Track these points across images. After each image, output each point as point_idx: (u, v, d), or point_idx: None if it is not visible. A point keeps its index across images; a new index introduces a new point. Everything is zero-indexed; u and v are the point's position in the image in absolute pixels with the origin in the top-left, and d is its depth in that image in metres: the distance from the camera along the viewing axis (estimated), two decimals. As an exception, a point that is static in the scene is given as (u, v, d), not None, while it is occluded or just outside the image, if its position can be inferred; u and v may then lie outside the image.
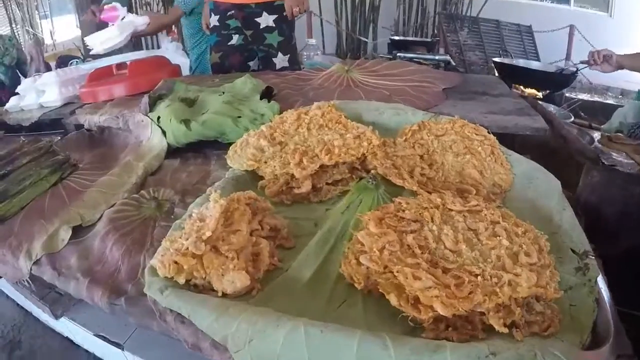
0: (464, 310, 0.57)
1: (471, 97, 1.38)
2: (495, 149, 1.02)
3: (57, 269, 0.87)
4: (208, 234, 0.65)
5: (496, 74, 2.96)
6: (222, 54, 2.06)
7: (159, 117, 1.27)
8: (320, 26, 5.45)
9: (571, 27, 5.43)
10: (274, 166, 0.89)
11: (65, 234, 0.92)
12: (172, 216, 0.94)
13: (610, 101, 5.23)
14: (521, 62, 3.17)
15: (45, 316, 1.06)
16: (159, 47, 3.61)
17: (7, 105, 1.74)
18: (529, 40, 5.30)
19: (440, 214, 0.74)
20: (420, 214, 0.74)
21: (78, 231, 0.94)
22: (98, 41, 2.12)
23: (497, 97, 1.40)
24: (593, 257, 0.73)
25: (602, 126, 3.21)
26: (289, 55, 2.07)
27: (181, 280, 0.65)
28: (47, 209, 1.03)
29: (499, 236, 0.69)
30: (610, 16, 6.20)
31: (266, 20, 2.01)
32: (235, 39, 2.05)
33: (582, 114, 3.33)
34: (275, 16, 2.01)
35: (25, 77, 2.60)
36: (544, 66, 2.99)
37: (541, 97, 2.89)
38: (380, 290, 0.62)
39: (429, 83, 1.44)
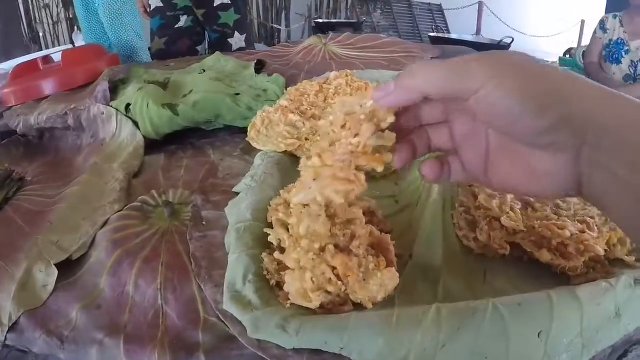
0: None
1: (464, 64, 1.33)
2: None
3: (55, 333, 0.55)
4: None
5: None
6: (168, 38, 1.85)
7: (128, 105, 1.05)
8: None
9: (480, 3, 5.65)
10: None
11: (47, 276, 0.63)
12: (204, 222, 0.71)
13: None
14: (454, 36, 3.21)
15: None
16: (72, 44, 3.27)
17: None
18: (440, 18, 5.46)
19: None
20: None
21: (62, 268, 0.65)
22: None
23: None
24: None
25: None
26: (245, 34, 1.91)
27: (316, 302, 0.48)
28: (-1, 244, 0.71)
29: None
30: (516, -10, 6.55)
31: None
32: (183, 21, 1.85)
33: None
34: None
35: None
36: (477, 39, 3.05)
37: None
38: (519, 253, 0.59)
39: (415, 54, 1.37)
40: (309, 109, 0.85)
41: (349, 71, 0.96)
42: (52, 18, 4.98)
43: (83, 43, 2.63)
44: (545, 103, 0.33)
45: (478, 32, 5.55)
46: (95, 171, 0.92)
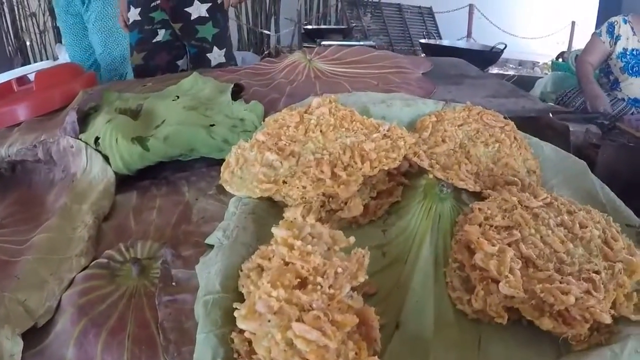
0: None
1: (456, 81, 1.26)
2: (517, 134, 0.92)
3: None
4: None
5: (422, 55, 2.92)
6: (146, 53, 1.77)
7: (97, 138, 0.98)
8: (220, 21, 5.16)
9: (470, 6, 5.58)
10: (303, 187, 0.67)
11: (14, 345, 0.59)
12: (174, 283, 0.65)
13: (510, 72, 5.46)
14: (445, 42, 3.14)
15: None
16: (55, 58, 3.19)
17: None
18: (430, 22, 5.39)
19: (526, 213, 0.66)
20: (509, 218, 0.65)
21: (28, 332, 0.61)
22: None
23: (480, 79, 1.30)
24: None
25: (524, 98, 3.30)
26: (225, 49, 1.82)
27: None
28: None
29: (587, 226, 0.65)
30: (505, -8, 6.51)
31: (198, 9, 1.74)
32: (162, 35, 1.77)
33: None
34: (209, 5, 1.76)
35: None
36: (469, 44, 2.99)
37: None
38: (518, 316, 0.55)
39: (405, 68, 1.28)
40: (287, 144, 0.76)
41: (332, 97, 0.88)
42: (38, 27, 4.90)
43: (67, 55, 2.57)
44: None
45: (469, 35, 5.49)
46: (64, 214, 0.86)
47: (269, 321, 0.43)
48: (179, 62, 1.88)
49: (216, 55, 1.82)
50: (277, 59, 1.43)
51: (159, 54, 1.80)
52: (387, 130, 0.78)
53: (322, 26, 5.03)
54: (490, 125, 0.91)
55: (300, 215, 0.56)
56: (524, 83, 3.49)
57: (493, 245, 0.57)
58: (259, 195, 0.70)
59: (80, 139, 1.01)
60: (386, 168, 0.70)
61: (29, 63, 4.10)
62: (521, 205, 0.68)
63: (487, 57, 2.73)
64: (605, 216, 0.69)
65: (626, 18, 2.66)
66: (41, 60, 4.64)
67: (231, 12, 5.26)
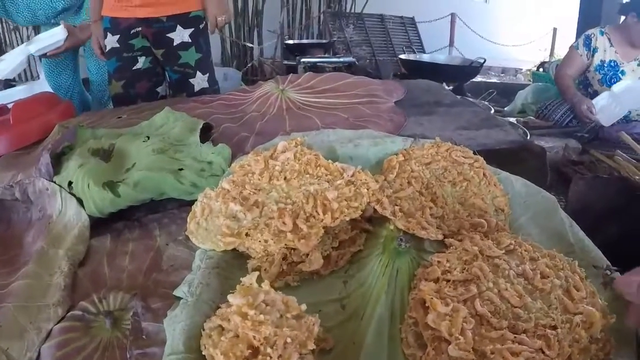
0: None
1: (428, 110, 1.26)
2: (486, 170, 0.91)
3: None
4: None
5: (402, 70, 2.94)
6: (126, 81, 1.76)
7: (70, 182, 0.98)
8: (203, 36, 5.16)
9: (452, 15, 5.63)
10: (265, 240, 0.68)
11: None
12: (144, 336, 0.68)
13: (494, 79, 5.51)
14: (425, 57, 3.16)
15: None
16: (33, 78, 3.17)
17: None
18: (413, 32, 5.42)
19: (486, 265, 0.65)
20: (467, 270, 0.64)
21: None
22: None
23: (454, 107, 1.30)
24: (616, 270, 0.70)
25: (504, 108, 3.33)
26: (208, 74, 1.82)
27: None
28: None
29: (549, 276, 0.64)
30: (486, 1, 6.57)
31: (181, 35, 1.74)
32: (142, 62, 1.76)
33: (469, 94, 3.42)
34: (191, 30, 1.75)
35: None
36: (449, 59, 3.01)
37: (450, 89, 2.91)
38: None
39: (378, 97, 1.29)
40: (251, 193, 0.76)
41: (298, 139, 0.88)
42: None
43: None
44: None
45: (451, 44, 5.54)
46: (41, 259, 0.88)
47: None
48: (159, 89, 1.87)
49: (199, 80, 1.81)
50: (251, 87, 1.42)
51: (139, 82, 1.79)
52: (352, 176, 0.78)
53: (304, 40, 5.03)
54: (459, 162, 0.91)
55: (255, 281, 0.56)
56: (507, 92, 3.53)
57: (447, 304, 0.57)
58: (223, 248, 0.70)
59: (54, 182, 1.01)
60: (347, 219, 0.70)
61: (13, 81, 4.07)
62: (482, 255, 0.67)
63: (466, 71, 2.75)
64: (571, 260, 0.69)
65: (603, 30, 2.69)
66: (25, 75, 4.59)
67: (214, 26, 5.27)
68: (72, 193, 0.98)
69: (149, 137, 1.06)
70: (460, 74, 2.77)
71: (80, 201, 0.97)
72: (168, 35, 1.75)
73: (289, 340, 0.48)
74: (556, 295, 0.62)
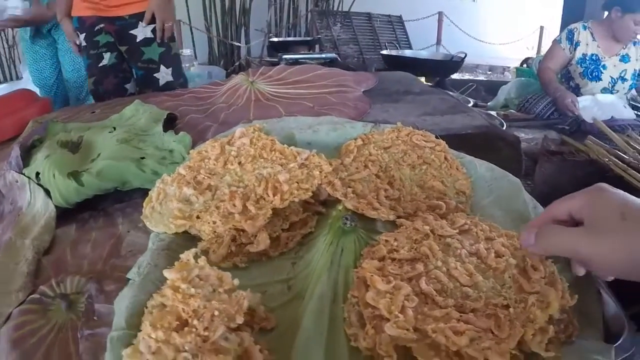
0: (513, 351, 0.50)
1: (396, 98, 1.27)
2: (448, 153, 0.92)
3: None
4: None
5: (384, 66, 2.95)
6: (95, 78, 1.77)
7: (37, 173, 0.99)
8: (190, 34, 5.17)
9: (440, 13, 5.65)
10: (214, 222, 0.68)
11: None
12: (96, 317, 0.69)
13: (481, 77, 5.53)
14: (408, 53, 3.17)
15: None
16: (18, 78, 3.19)
17: None
18: (400, 30, 5.43)
19: (436, 244, 0.63)
20: (416, 249, 0.63)
21: None
22: None
23: (422, 95, 1.30)
24: None
25: (488, 103, 3.34)
26: (172, 67, 1.83)
27: None
28: None
29: (504, 255, 0.62)
30: (473, 0, 6.59)
31: (143, 31, 1.76)
32: (107, 58, 1.77)
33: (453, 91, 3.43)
34: (154, 25, 1.76)
35: None
36: (430, 54, 3.02)
37: (431, 84, 2.92)
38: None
39: (347, 87, 1.29)
40: (205, 177, 0.76)
41: (257, 125, 0.89)
42: (7, 41, 4.85)
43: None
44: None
45: (438, 42, 5.56)
46: (8, 249, 0.90)
47: None
48: (127, 86, 1.88)
49: (164, 74, 1.83)
50: (223, 81, 1.43)
51: (107, 78, 1.80)
52: (305, 159, 0.78)
53: (288, 38, 5.04)
54: (420, 146, 0.91)
55: (192, 257, 0.56)
56: (493, 89, 3.54)
57: (388, 282, 0.56)
58: (174, 231, 0.71)
59: (24, 174, 1.03)
60: (297, 200, 0.70)
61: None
62: (434, 234, 0.66)
63: (447, 66, 2.77)
64: None
65: (586, 24, 2.72)
66: (9, 75, 4.59)
67: (201, 24, 5.28)
68: (40, 184, 0.99)
69: (115, 128, 1.07)
70: (441, 69, 2.79)
71: (47, 192, 0.98)
72: (131, 32, 1.77)
73: (216, 313, 0.48)
74: (511, 274, 0.59)
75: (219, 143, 0.84)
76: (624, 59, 2.69)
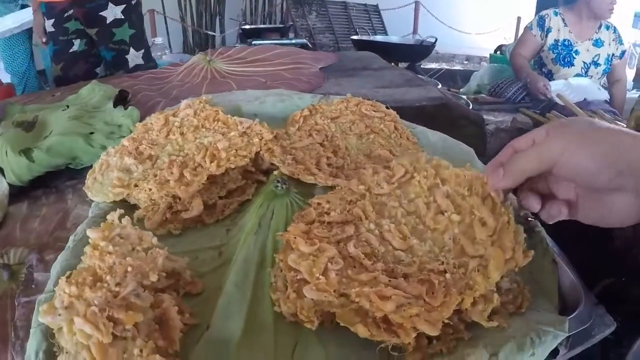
0: (446, 320, 0.46)
1: (352, 74, 1.27)
2: (398, 123, 0.92)
3: None
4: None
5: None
6: (64, 64, 1.76)
7: None
8: (164, 24, 5.11)
9: (416, 2, 5.66)
10: (149, 189, 0.68)
11: None
12: (34, 285, 0.71)
13: (457, 67, 5.56)
14: (378, 38, 3.18)
15: None
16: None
17: None
18: (376, 19, 5.44)
19: (371, 204, 0.60)
20: (348, 211, 0.60)
21: None
22: None
23: (380, 70, 1.31)
24: (534, 219, 0.63)
25: (461, 89, 3.36)
26: (142, 50, 1.82)
27: None
28: None
29: (446, 211, 0.57)
30: (450, -10, 6.62)
31: (113, 12, 1.75)
32: (77, 44, 1.76)
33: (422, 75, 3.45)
34: (123, 6, 1.76)
35: None
36: (401, 39, 3.04)
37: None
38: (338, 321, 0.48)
39: (303, 64, 1.30)
40: (147, 147, 0.77)
41: (204, 97, 0.89)
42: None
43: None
44: (610, 159, 0.46)
45: (415, 31, 5.57)
46: None
47: (60, 315, 0.45)
48: (97, 70, 1.87)
49: (133, 57, 1.83)
50: (183, 62, 1.42)
51: (77, 64, 1.80)
52: (247, 128, 0.79)
53: (260, 25, 5.01)
54: (369, 116, 0.92)
55: (117, 218, 0.57)
56: (442, 76, 3.55)
57: (312, 244, 0.53)
58: (112, 199, 0.71)
59: (-20, 153, 1.02)
60: (233, 166, 0.71)
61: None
62: (370, 193, 0.62)
63: (417, 50, 2.78)
64: (485, 181, 0.57)
65: (557, 10, 2.73)
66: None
67: (175, 14, 5.23)
68: (-5, 163, 1.00)
69: (68, 106, 1.07)
70: (410, 53, 2.80)
71: (1, 170, 0.99)
72: (100, 13, 1.76)
73: (129, 269, 0.48)
74: (452, 235, 0.55)
75: (163, 115, 0.84)
76: (597, 43, 2.71)
